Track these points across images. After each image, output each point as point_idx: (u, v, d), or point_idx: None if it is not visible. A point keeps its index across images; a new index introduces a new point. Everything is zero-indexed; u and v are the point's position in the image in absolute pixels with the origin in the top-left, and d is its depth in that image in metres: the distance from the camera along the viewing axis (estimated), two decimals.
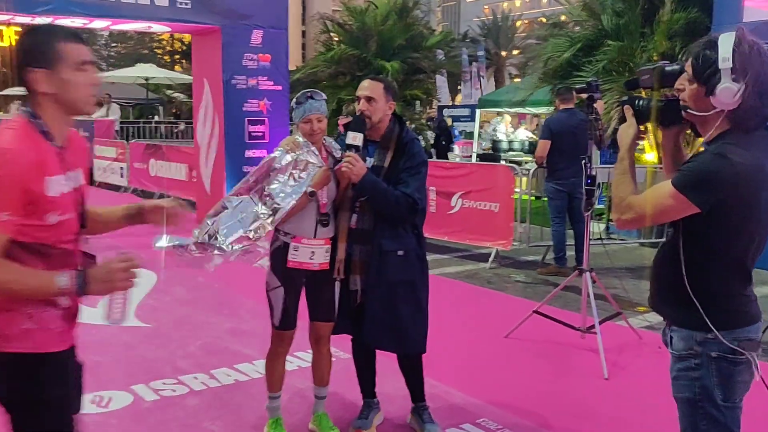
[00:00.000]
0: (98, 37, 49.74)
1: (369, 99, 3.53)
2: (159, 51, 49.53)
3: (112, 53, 47.62)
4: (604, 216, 10.47)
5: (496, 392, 4.38)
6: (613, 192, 2.38)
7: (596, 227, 9.91)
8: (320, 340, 3.63)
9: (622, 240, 8.99)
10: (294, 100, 3.48)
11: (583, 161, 4.90)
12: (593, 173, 4.90)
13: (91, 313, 5.87)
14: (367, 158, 3.55)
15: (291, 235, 3.45)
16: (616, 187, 2.38)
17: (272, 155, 3.46)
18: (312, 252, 3.45)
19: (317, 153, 3.45)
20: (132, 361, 4.78)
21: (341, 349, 4.34)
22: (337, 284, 3.56)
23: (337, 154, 3.51)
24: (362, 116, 3.50)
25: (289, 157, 3.40)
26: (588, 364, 4.86)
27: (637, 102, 2.46)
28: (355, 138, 3.39)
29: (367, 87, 3.57)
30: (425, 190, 3.63)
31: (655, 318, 5.97)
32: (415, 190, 3.47)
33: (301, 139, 3.47)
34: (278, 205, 3.29)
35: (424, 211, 3.60)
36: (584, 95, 4.95)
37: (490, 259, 8.02)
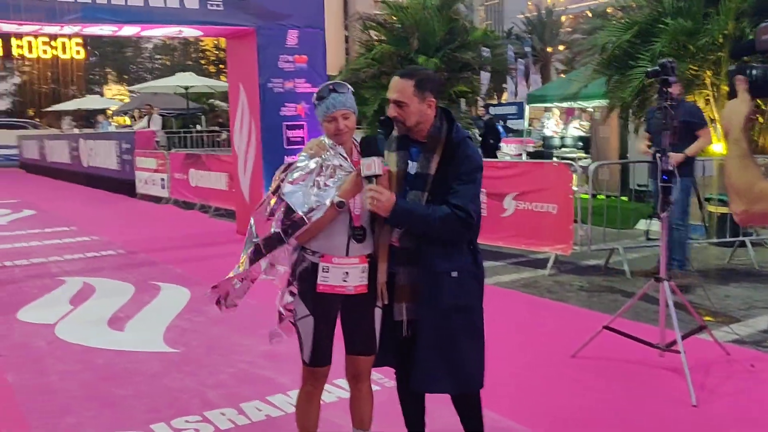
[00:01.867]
0: (143, 50, 50.50)
1: (398, 103, 2.93)
2: (203, 61, 49.88)
3: (157, 65, 48.17)
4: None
5: (567, 426, 3.77)
6: (733, 179, 1.80)
7: (655, 226, 9.19)
8: (359, 376, 3.09)
9: (693, 239, 8.22)
10: (315, 95, 2.94)
11: (658, 154, 4.26)
12: (670, 168, 4.25)
13: (118, 338, 5.51)
14: (410, 162, 2.98)
15: (319, 253, 2.90)
16: (737, 172, 1.80)
17: (290, 162, 2.94)
18: (345, 273, 2.89)
19: (346, 156, 2.92)
20: (156, 394, 4.31)
21: (385, 375, 3.82)
22: (378, 310, 3.01)
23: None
24: (372, 138, 2.87)
25: (312, 163, 2.86)
26: (671, 388, 4.20)
27: (750, 72, 1.88)
28: (370, 166, 2.76)
29: (393, 88, 2.96)
30: (480, 199, 3.03)
31: (745, 330, 5.28)
32: (468, 201, 2.88)
33: (327, 140, 2.94)
34: (296, 219, 2.78)
35: (479, 223, 3.03)
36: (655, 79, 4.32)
37: (549, 265, 7.37)
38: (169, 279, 7.44)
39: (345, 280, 2.90)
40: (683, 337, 4.29)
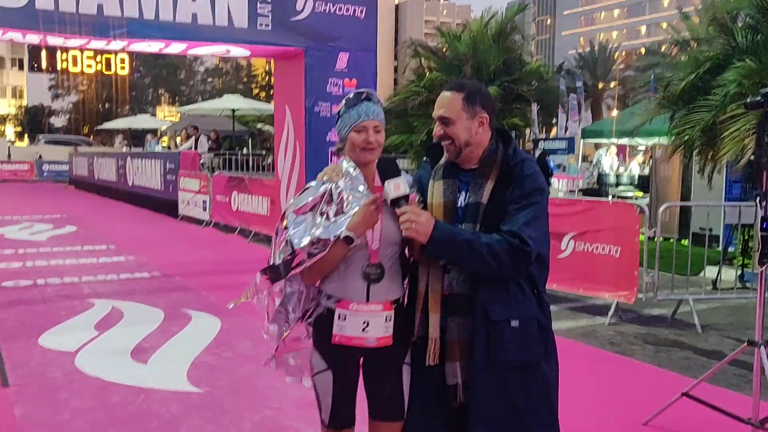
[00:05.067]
0: (196, 73, 51.43)
1: (444, 120, 2.49)
2: (254, 86, 50.52)
3: (208, 88, 48.93)
4: (736, 262, 9.00)
5: None
6: None
7: (726, 275, 8.49)
8: None
9: None
10: (343, 103, 2.52)
11: (758, 198, 3.68)
12: None
13: (139, 372, 5.07)
14: (460, 193, 2.51)
15: (335, 298, 2.46)
16: None
17: (302, 191, 2.51)
18: (364, 322, 2.43)
19: (364, 182, 2.46)
20: None
21: None
22: (406, 367, 2.54)
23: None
24: (389, 158, 2.49)
25: (322, 189, 2.43)
26: None
27: None
28: (398, 186, 2.35)
29: (439, 104, 2.53)
30: (545, 228, 2.50)
31: None
32: (522, 225, 2.36)
33: (345, 163, 2.49)
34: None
35: (544, 260, 2.51)
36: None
37: (610, 314, 6.73)
38: (201, 307, 7.03)
39: (365, 331, 2.44)
40: None
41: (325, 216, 2.39)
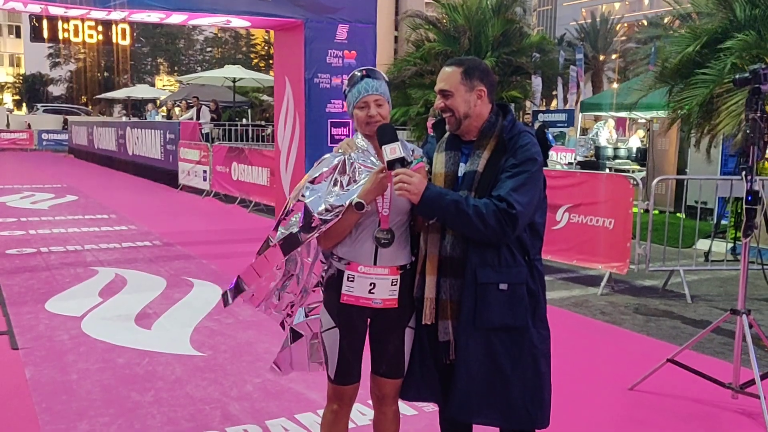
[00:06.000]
0: (194, 42, 51.09)
1: (444, 93, 2.63)
2: (253, 56, 50.23)
3: (207, 57, 48.62)
4: (728, 234, 9.14)
5: None
6: None
7: (718, 247, 8.63)
8: (383, 399, 2.78)
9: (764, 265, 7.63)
10: (346, 81, 2.67)
11: (743, 172, 3.81)
12: (756, 188, 3.79)
13: (143, 336, 5.23)
14: (461, 164, 2.64)
15: (345, 260, 2.63)
16: None
17: (318, 162, 2.68)
18: (371, 284, 2.60)
19: (375, 154, 2.63)
20: (176, 403, 4.01)
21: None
22: (409, 330, 2.69)
23: (406, 153, 2.53)
24: (388, 124, 2.60)
25: (336, 160, 2.61)
26: None
27: None
28: (394, 149, 2.48)
29: (439, 78, 2.68)
30: (536, 195, 2.55)
31: None
32: (511, 191, 2.47)
33: (358, 138, 2.67)
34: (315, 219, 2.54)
35: (538, 229, 2.62)
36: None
37: (602, 284, 6.89)
38: (202, 275, 7.19)
39: (371, 292, 2.61)
40: (762, 378, 3.82)
41: (339, 185, 2.57)
